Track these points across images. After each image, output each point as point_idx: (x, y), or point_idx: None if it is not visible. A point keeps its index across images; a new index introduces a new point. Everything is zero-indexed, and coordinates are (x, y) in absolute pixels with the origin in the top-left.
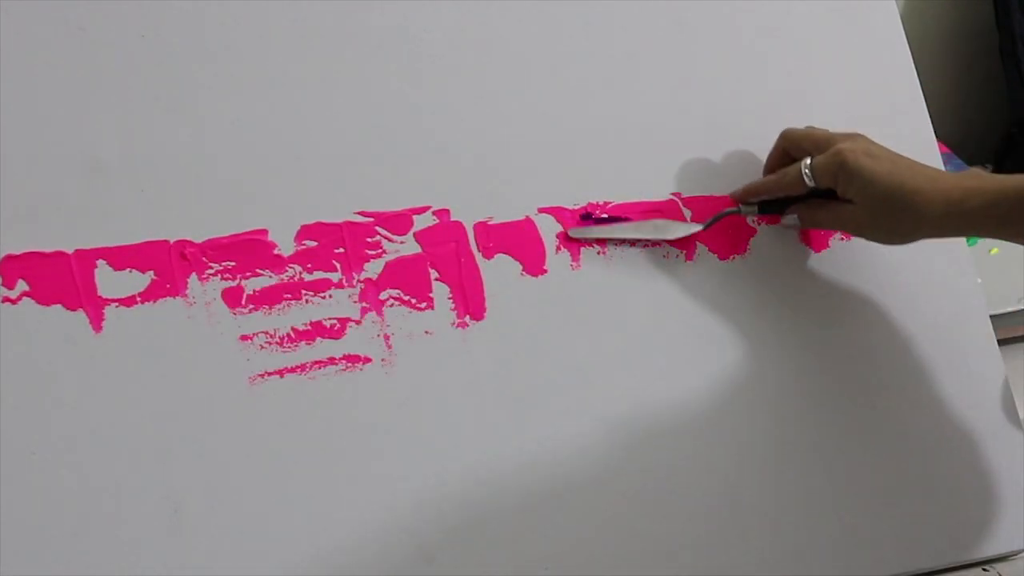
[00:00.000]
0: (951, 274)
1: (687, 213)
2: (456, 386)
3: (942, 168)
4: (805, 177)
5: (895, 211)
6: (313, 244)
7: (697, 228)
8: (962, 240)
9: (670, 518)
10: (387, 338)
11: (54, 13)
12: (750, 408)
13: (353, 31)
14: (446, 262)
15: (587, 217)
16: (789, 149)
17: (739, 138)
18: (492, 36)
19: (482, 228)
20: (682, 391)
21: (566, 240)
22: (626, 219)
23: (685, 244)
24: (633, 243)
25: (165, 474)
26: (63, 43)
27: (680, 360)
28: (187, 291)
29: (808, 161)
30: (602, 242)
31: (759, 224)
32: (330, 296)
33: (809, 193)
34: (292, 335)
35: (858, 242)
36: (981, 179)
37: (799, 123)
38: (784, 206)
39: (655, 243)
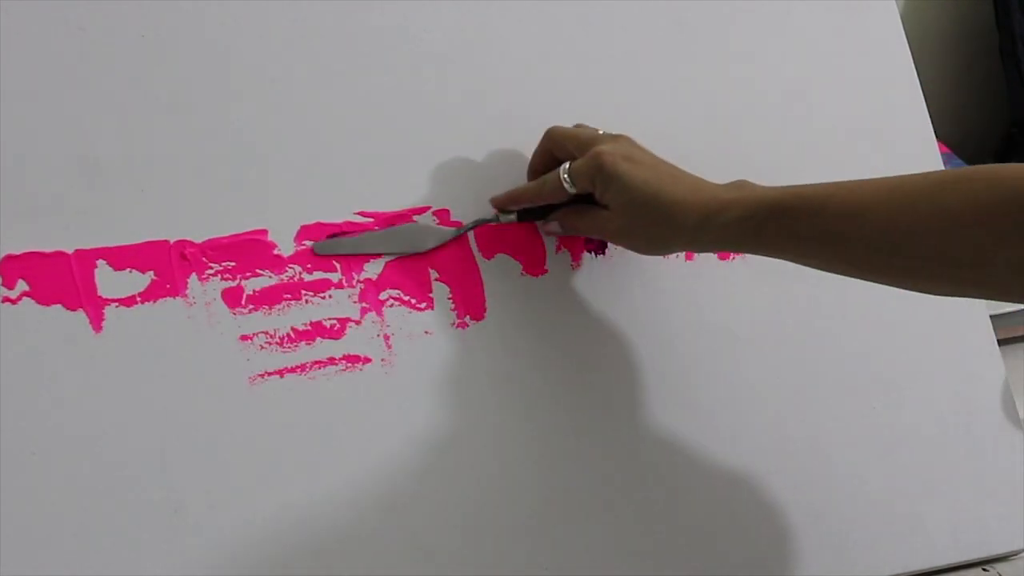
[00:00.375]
0: None
1: None
2: (456, 386)
3: (941, 165)
4: (564, 183)
5: (651, 219)
6: (313, 244)
7: (450, 235)
8: None
9: (670, 518)
10: (387, 338)
11: (54, 13)
12: (749, 408)
13: (353, 31)
14: (446, 262)
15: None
16: (553, 150)
17: (739, 138)
18: (492, 36)
19: (482, 228)
20: (682, 390)
21: (566, 240)
22: (375, 228)
23: None
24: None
25: (165, 474)
26: (63, 43)
27: (680, 359)
28: (187, 291)
29: (567, 166)
30: (593, 243)
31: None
32: (330, 296)
33: (573, 198)
34: (292, 335)
35: None
36: (743, 190)
37: (799, 123)
38: (546, 212)
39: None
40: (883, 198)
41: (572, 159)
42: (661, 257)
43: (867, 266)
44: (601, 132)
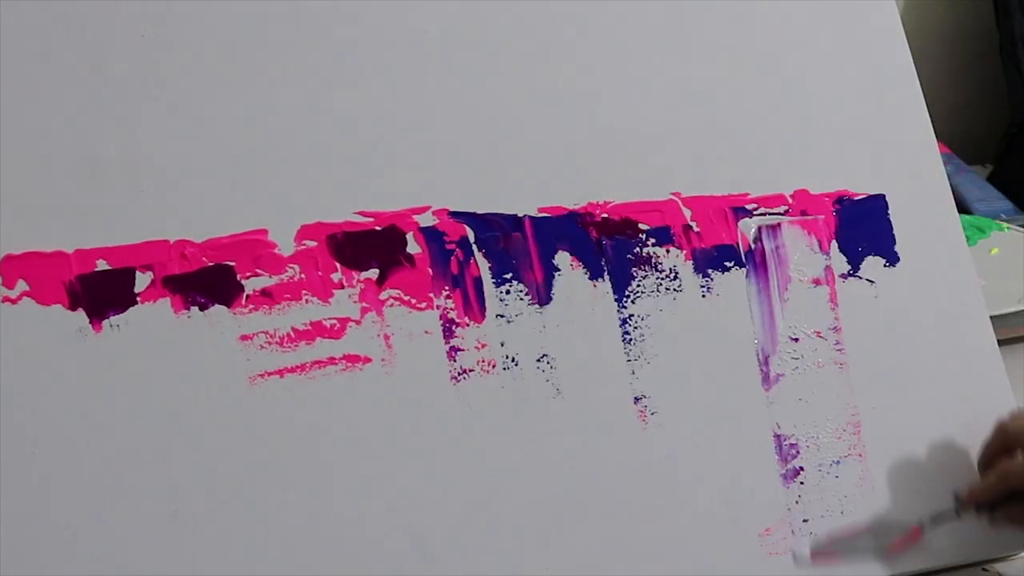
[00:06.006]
0: (951, 274)
1: (687, 213)
2: (456, 386)
3: (941, 165)
4: None
5: None
6: (313, 244)
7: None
8: (962, 240)
9: (670, 518)
10: (387, 338)
11: (54, 13)
12: (749, 408)
13: (353, 31)
14: (446, 262)
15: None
16: (1009, 443)
17: (739, 138)
18: (492, 36)
19: (488, 238)
20: (683, 391)
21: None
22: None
23: (684, 244)
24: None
25: (165, 474)
26: (63, 43)
27: (681, 360)
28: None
29: None
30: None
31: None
32: (330, 296)
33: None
34: (292, 335)
35: None
36: None
37: (798, 123)
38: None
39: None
40: None
41: None
42: (661, 258)
43: None
44: None
